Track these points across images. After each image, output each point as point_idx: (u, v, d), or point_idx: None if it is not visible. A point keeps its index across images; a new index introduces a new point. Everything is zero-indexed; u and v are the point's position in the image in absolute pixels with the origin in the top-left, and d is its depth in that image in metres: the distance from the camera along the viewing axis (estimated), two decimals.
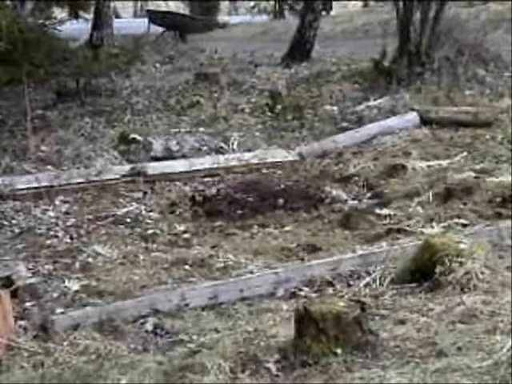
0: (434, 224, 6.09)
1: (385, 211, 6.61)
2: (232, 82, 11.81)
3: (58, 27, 9.62)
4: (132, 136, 9.22)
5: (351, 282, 5.08)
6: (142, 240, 6.36)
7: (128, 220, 6.91)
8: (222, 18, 26.32)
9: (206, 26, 19.88)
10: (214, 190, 7.64)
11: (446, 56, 10.96)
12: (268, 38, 17.81)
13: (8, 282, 5.13)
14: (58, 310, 4.83)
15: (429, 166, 7.79)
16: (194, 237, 6.43)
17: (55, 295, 5.17)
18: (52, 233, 6.63)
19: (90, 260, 5.88)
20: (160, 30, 18.79)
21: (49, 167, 8.47)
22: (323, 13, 17.47)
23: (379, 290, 4.91)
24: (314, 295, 4.93)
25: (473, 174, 7.26)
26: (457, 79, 10.66)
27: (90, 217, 7.00)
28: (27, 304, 4.93)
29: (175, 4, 31.56)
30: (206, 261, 5.71)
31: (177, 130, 9.83)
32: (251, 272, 5.35)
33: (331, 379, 3.71)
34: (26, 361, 4.19)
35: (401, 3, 11.19)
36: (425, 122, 9.30)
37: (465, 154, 8.13)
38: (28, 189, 7.56)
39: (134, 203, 7.38)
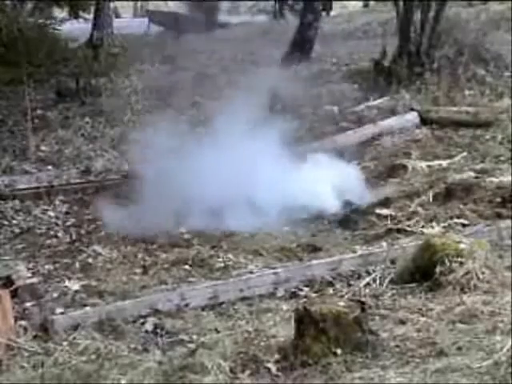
0: (433, 224, 6.09)
1: (385, 211, 6.61)
2: (232, 81, 11.79)
3: (58, 27, 9.62)
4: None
5: (351, 282, 5.09)
6: (142, 240, 6.36)
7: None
8: (222, 18, 26.27)
9: (206, 26, 19.86)
10: None
11: (446, 56, 10.95)
12: (268, 38, 17.78)
13: (8, 281, 5.14)
14: (58, 310, 4.84)
15: (429, 166, 7.79)
16: (194, 237, 6.43)
17: (55, 295, 5.17)
18: (52, 233, 6.63)
19: (90, 260, 5.88)
20: (160, 29, 18.80)
21: (49, 167, 8.47)
22: (323, 13, 17.45)
23: (379, 290, 4.91)
24: (313, 295, 4.93)
25: (473, 174, 7.26)
26: (457, 79, 10.65)
27: (90, 217, 7.00)
28: (27, 304, 4.93)
29: (175, 4, 31.52)
30: (206, 261, 5.71)
31: None
32: (251, 272, 5.35)
33: (331, 379, 3.72)
34: (26, 361, 4.20)
35: (401, 3, 11.18)
36: (425, 121, 9.30)
37: (465, 154, 8.14)
38: (28, 189, 7.56)
39: None
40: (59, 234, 6.58)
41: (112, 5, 17.47)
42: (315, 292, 5.02)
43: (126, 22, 23.58)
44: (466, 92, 10.41)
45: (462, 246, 4.90)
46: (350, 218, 6.58)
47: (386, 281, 4.99)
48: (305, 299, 4.77)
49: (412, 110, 9.57)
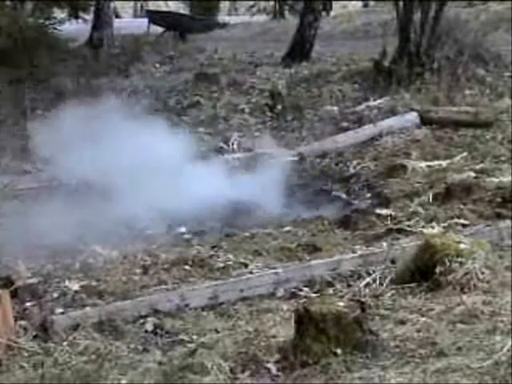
0: (433, 224, 6.09)
1: (385, 211, 6.61)
2: (232, 82, 11.80)
3: (58, 27, 9.64)
4: None
5: (351, 282, 5.08)
6: (142, 240, 6.36)
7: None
8: (222, 18, 26.30)
9: (206, 26, 19.87)
10: None
11: (446, 56, 10.95)
12: (268, 38, 17.80)
13: (8, 281, 5.14)
14: (58, 310, 4.83)
15: (429, 166, 7.79)
16: (194, 237, 6.43)
17: (55, 295, 5.17)
18: (52, 233, 6.62)
19: (90, 260, 5.87)
20: (160, 29, 18.81)
21: (48, 167, 8.46)
22: (323, 13, 17.46)
23: (379, 290, 4.91)
24: (313, 295, 4.93)
25: (473, 174, 7.27)
26: (457, 79, 10.65)
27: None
28: (27, 304, 4.93)
29: (175, 4, 31.54)
30: (206, 261, 5.71)
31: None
32: (251, 272, 5.35)
33: (331, 379, 3.72)
34: (26, 361, 4.19)
35: (401, 3, 11.19)
36: (425, 122, 9.30)
37: (465, 154, 8.14)
38: (28, 189, 7.55)
39: None
40: (59, 234, 6.56)
41: (112, 5, 17.48)
42: (315, 292, 5.02)
43: (126, 22, 23.60)
44: (466, 92, 10.41)
45: (462, 246, 4.90)
46: (350, 218, 6.57)
47: (386, 281, 4.99)
48: (305, 299, 4.77)
49: (412, 110, 9.58)
